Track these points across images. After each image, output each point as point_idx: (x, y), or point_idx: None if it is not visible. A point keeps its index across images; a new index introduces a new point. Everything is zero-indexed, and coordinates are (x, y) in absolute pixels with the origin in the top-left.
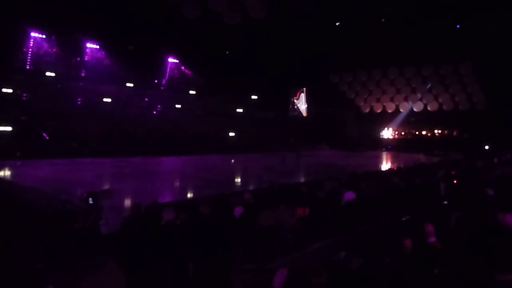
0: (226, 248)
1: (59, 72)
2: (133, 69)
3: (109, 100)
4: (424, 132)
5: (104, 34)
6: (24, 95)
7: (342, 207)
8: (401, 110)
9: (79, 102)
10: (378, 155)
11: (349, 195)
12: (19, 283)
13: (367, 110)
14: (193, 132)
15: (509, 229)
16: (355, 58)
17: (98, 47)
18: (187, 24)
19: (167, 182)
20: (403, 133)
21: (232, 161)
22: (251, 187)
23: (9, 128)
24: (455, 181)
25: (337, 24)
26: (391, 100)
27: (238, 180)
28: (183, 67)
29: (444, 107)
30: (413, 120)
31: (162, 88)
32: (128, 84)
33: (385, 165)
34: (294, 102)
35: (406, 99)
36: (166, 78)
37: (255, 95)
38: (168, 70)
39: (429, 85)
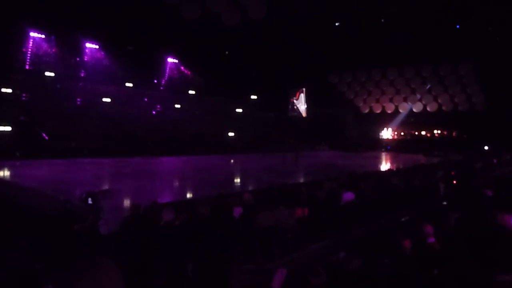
0: (226, 248)
1: (59, 72)
2: (132, 69)
3: (108, 100)
4: (423, 133)
5: (104, 34)
6: (24, 95)
7: (341, 208)
8: (400, 110)
9: (78, 102)
10: (378, 156)
11: (349, 196)
12: (18, 283)
13: (367, 111)
14: (192, 132)
15: (508, 229)
16: (354, 58)
17: (97, 47)
18: (187, 24)
19: (166, 182)
20: (402, 133)
21: (232, 161)
22: (250, 188)
23: (8, 128)
24: (454, 182)
25: (336, 24)
26: (391, 100)
27: (237, 180)
28: (182, 67)
29: (444, 107)
30: (412, 121)
31: (161, 88)
32: (127, 84)
33: (385, 166)
34: (293, 102)
35: (405, 100)
36: (166, 78)
37: (254, 95)
38: (167, 70)
39: (428, 86)
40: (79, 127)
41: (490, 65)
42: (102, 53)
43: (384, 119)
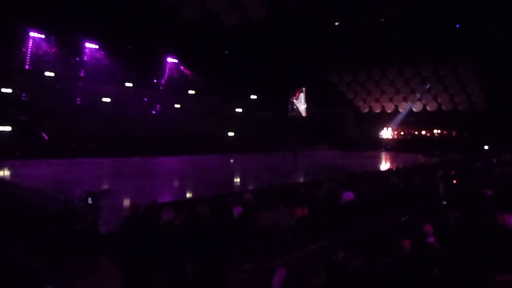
0: (225, 248)
1: (58, 72)
2: (132, 69)
3: (108, 100)
4: (423, 132)
5: (103, 34)
6: (24, 95)
7: (341, 207)
8: (400, 110)
9: (78, 102)
10: (377, 155)
11: (348, 195)
12: (18, 283)
13: (366, 110)
14: (192, 132)
15: (508, 229)
16: (354, 58)
17: (97, 47)
18: (186, 24)
19: (166, 182)
20: (402, 133)
21: (231, 161)
22: (250, 188)
23: (8, 128)
24: (454, 182)
25: (336, 24)
26: (390, 100)
27: (237, 180)
28: (182, 67)
29: (443, 107)
30: (412, 120)
31: (161, 88)
32: (127, 84)
33: (384, 165)
34: (293, 102)
35: (405, 99)
36: (165, 78)
37: (254, 95)
38: (167, 70)
39: (428, 85)
40: (79, 127)
41: (490, 65)
42: (102, 53)
43: (384, 119)
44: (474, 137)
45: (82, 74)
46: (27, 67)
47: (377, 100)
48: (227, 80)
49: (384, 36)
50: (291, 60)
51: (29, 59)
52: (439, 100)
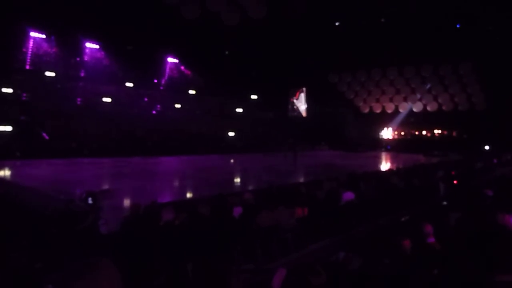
0: (225, 248)
1: (59, 72)
2: (132, 69)
3: (108, 100)
4: (423, 133)
5: (104, 34)
6: (24, 95)
7: (341, 208)
8: (400, 110)
9: (78, 102)
10: (378, 156)
11: (348, 196)
12: (18, 283)
13: (367, 110)
14: (192, 132)
15: (509, 230)
16: (354, 58)
17: (97, 47)
18: (187, 24)
19: (166, 182)
20: (402, 133)
21: (232, 161)
22: (250, 188)
23: (9, 128)
24: (454, 182)
25: (336, 24)
26: (391, 100)
27: (237, 180)
28: (182, 67)
29: (444, 107)
30: (412, 121)
31: (161, 88)
32: (127, 84)
33: (385, 166)
34: (293, 102)
35: (405, 100)
36: (166, 78)
37: (254, 95)
38: (167, 70)
39: (428, 86)
40: (79, 127)
41: (490, 65)
42: (102, 53)
43: (384, 119)
44: (474, 137)
45: (82, 74)
46: (27, 67)
47: (377, 100)
48: (228, 80)
49: (384, 36)
50: (291, 60)
51: (29, 59)
52: (439, 100)
